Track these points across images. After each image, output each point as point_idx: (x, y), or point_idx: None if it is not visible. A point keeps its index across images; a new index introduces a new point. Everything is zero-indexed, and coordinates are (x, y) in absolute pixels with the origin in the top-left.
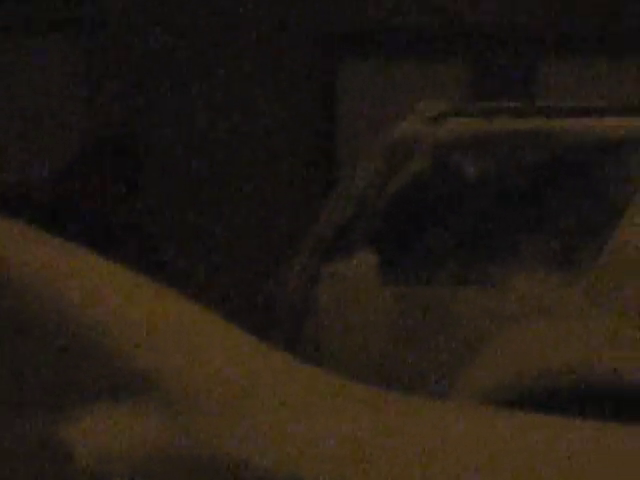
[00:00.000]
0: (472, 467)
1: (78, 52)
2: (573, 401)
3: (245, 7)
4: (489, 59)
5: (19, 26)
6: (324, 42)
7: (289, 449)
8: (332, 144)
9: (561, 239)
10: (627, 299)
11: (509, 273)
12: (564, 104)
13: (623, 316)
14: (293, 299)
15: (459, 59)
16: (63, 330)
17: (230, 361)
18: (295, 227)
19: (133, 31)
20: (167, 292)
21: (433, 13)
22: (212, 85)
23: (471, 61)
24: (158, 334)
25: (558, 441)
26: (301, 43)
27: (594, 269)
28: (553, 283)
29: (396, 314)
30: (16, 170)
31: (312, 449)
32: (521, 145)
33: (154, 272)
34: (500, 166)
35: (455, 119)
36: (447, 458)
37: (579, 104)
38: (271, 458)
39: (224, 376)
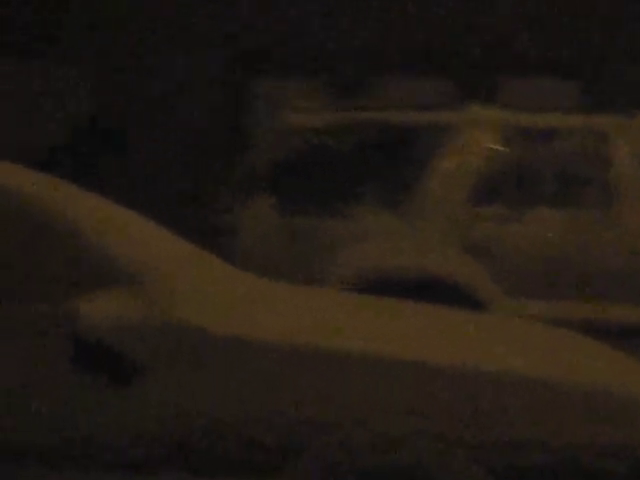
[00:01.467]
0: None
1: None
2: (394, 290)
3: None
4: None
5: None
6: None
7: (211, 317)
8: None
9: (388, 190)
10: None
11: (359, 210)
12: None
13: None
14: (222, 225)
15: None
16: (79, 244)
17: (188, 268)
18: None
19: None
20: (151, 224)
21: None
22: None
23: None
24: (144, 251)
25: (397, 309)
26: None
27: (409, 210)
28: (385, 216)
29: (284, 234)
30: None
31: (233, 318)
32: (363, 128)
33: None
34: (345, 144)
35: (321, 113)
36: (322, 313)
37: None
38: (205, 319)
39: (185, 276)
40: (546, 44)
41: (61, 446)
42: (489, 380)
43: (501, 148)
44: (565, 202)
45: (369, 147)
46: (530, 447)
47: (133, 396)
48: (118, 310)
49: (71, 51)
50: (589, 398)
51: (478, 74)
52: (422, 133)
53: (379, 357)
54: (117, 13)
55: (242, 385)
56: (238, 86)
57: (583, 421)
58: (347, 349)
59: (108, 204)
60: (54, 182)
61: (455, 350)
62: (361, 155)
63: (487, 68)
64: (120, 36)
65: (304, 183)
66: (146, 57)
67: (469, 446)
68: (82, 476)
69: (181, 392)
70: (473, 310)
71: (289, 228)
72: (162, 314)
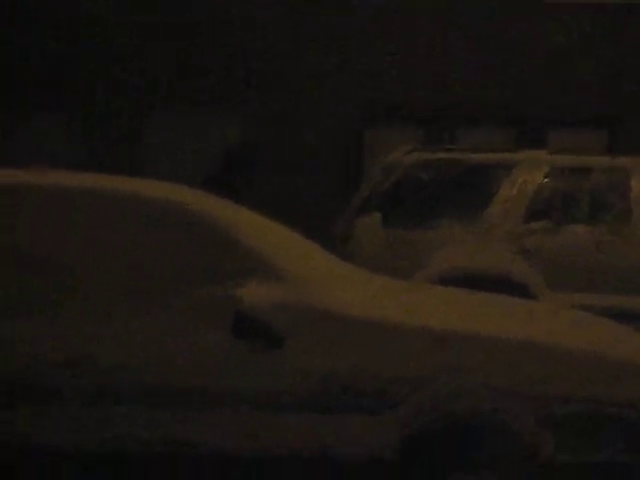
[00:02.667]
0: (430, 307)
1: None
2: (467, 283)
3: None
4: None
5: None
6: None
7: (336, 302)
8: None
9: (464, 211)
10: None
11: (443, 224)
12: (472, 147)
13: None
14: (344, 234)
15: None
16: (239, 247)
17: (317, 265)
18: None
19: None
20: (288, 231)
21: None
22: None
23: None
24: (287, 254)
25: (470, 297)
26: None
27: (479, 224)
28: (462, 229)
29: (386, 241)
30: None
31: (350, 302)
32: (447, 165)
33: None
34: (434, 176)
35: (415, 153)
36: (415, 300)
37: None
38: (331, 303)
39: (315, 270)
40: (581, 103)
41: (218, 395)
42: (536, 349)
43: (547, 180)
44: (595, 220)
45: (452, 178)
46: (566, 400)
47: (275, 357)
48: (267, 295)
49: (229, 100)
50: (611, 364)
51: (531, 127)
52: (491, 169)
53: (458, 332)
54: (270, 69)
55: (356, 351)
56: (359, 132)
57: (602, 381)
58: (436, 326)
59: (258, 216)
60: (218, 201)
61: (513, 326)
62: (446, 184)
63: (537, 122)
64: (271, 88)
65: (402, 204)
66: (289, 106)
67: (524, 398)
68: (230, 413)
69: (309, 357)
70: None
71: (392, 237)
72: (298, 299)
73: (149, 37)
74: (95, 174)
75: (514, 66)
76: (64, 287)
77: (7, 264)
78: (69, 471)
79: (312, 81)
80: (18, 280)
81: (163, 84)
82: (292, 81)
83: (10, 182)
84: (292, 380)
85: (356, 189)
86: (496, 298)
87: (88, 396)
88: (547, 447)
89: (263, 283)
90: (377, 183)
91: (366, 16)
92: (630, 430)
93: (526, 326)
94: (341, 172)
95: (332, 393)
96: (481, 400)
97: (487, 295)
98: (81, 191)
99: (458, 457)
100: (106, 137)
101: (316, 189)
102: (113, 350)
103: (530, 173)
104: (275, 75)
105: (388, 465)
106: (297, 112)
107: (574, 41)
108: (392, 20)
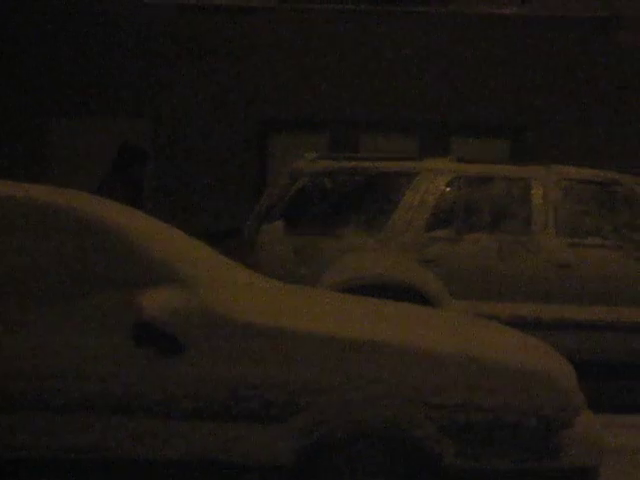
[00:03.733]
0: (330, 312)
1: None
2: (370, 291)
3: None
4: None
5: None
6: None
7: (238, 309)
8: None
9: (368, 219)
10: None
11: (346, 232)
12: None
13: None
14: (248, 241)
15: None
16: (136, 254)
17: (218, 272)
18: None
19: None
20: (185, 236)
21: None
22: None
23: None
24: (188, 260)
25: (373, 305)
26: None
27: (383, 233)
28: (365, 237)
29: (290, 248)
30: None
31: (252, 309)
32: (350, 173)
33: None
34: (338, 183)
35: (320, 161)
36: (319, 307)
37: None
38: (233, 309)
39: (216, 277)
40: (485, 113)
41: (118, 402)
42: (438, 357)
43: (449, 188)
44: (497, 229)
45: (356, 185)
46: (468, 408)
47: (176, 364)
48: (168, 301)
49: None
50: (509, 372)
51: (436, 135)
52: (394, 177)
53: (361, 340)
54: (175, 74)
55: (257, 359)
56: (261, 142)
57: (504, 389)
58: (340, 334)
59: (159, 222)
60: (119, 207)
61: (414, 334)
62: (350, 191)
63: (443, 130)
64: (175, 94)
65: (307, 211)
66: (197, 120)
67: (426, 406)
68: (131, 421)
69: (210, 364)
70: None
71: (295, 244)
72: (199, 305)
73: (55, 38)
74: None
75: (419, 73)
76: None
77: None
78: None
79: (217, 87)
80: None
81: (68, 86)
82: (195, 85)
83: None
84: (193, 387)
85: (260, 196)
86: (399, 306)
87: None
88: (448, 454)
89: (164, 289)
90: (282, 190)
91: (266, 26)
92: (531, 437)
93: (428, 334)
94: (246, 178)
95: (233, 400)
96: (383, 408)
97: (390, 303)
98: None
99: (360, 465)
100: (9, 138)
101: (220, 195)
102: (13, 357)
103: (433, 181)
104: (178, 80)
105: (289, 473)
106: (200, 117)
107: (479, 51)
108: (292, 28)
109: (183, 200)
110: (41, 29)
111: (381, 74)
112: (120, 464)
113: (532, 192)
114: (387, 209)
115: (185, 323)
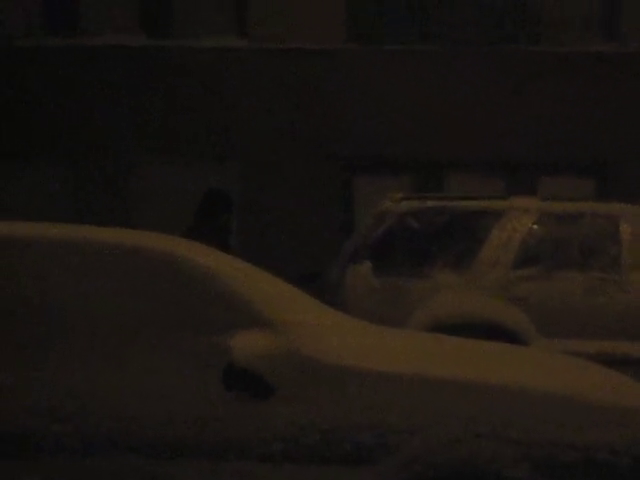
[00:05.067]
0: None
1: None
2: (458, 330)
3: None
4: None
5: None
6: None
7: (328, 351)
8: None
9: (455, 258)
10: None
11: (434, 272)
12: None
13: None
14: (336, 283)
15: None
16: (226, 296)
17: (307, 313)
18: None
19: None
20: (271, 277)
21: None
22: None
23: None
24: (276, 302)
25: (462, 344)
26: None
27: (470, 271)
28: (453, 277)
29: (378, 289)
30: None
31: (341, 351)
32: (437, 213)
33: None
34: (425, 223)
35: (406, 201)
36: (408, 347)
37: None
38: (323, 352)
39: (305, 319)
40: (570, 152)
41: (210, 446)
42: (530, 395)
43: (536, 227)
44: (585, 267)
45: (443, 225)
46: (560, 447)
47: (266, 408)
48: (257, 344)
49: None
50: (602, 409)
51: (521, 174)
52: (480, 216)
53: (451, 380)
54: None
55: (346, 401)
56: (346, 183)
57: (597, 426)
58: (429, 374)
59: (246, 264)
60: (206, 249)
61: (507, 373)
62: (437, 231)
63: (529, 170)
64: (255, 140)
65: (394, 252)
66: (274, 157)
67: (516, 444)
68: (222, 464)
69: (300, 407)
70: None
71: (383, 285)
72: (288, 348)
73: (145, 81)
74: (86, 225)
75: (503, 111)
76: (51, 337)
77: None
78: None
79: (299, 131)
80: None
81: (149, 134)
82: (275, 131)
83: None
84: (283, 430)
85: (346, 238)
86: (488, 345)
87: (78, 447)
88: None
89: (253, 332)
90: (368, 231)
91: (346, 69)
92: (624, 475)
93: (518, 372)
94: (331, 221)
95: (324, 443)
96: (476, 448)
97: (479, 342)
98: (70, 242)
99: None
100: (93, 186)
101: (306, 238)
102: (103, 401)
103: (520, 219)
104: (257, 127)
105: None
106: (282, 162)
107: (562, 89)
108: (372, 72)
109: (270, 243)
110: (131, 72)
111: (466, 113)
112: None
113: (620, 229)
114: (474, 248)
115: (274, 366)
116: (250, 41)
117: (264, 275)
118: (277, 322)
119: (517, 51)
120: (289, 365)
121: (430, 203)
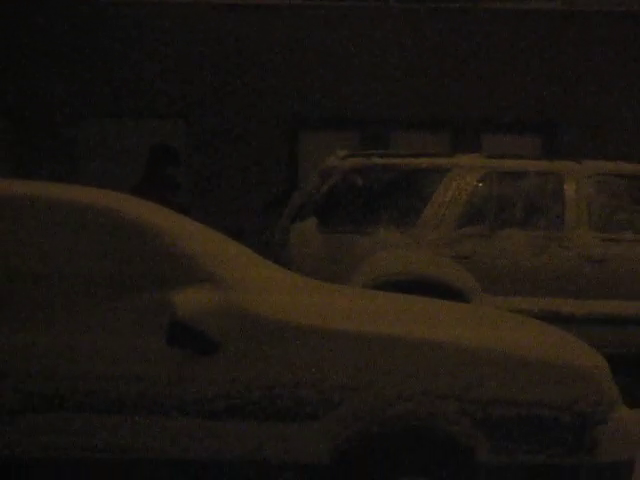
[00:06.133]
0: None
1: None
2: (402, 288)
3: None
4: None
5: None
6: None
7: (271, 308)
8: None
9: (399, 216)
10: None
11: (379, 229)
12: (402, 152)
13: (428, 249)
14: (280, 240)
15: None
16: (171, 251)
17: (251, 270)
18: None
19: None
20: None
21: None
22: None
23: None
24: (221, 259)
25: (404, 301)
26: None
27: (415, 229)
28: (397, 234)
29: (322, 246)
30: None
31: (285, 307)
32: (382, 170)
33: None
34: (370, 180)
35: (351, 158)
36: (352, 305)
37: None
38: (266, 308)
39: (249, 276)
40: (516, 109)
41: (153, 402)
42: (472, 352)
43: (481, 184)
44: (529, 225)
45: (388, 182)
46: (501, 403)
47: (210, 364)
48: (201, 300)
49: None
50: (544, 365)
51: (467, 132)
52: (425, 173)
53: (394, 336)
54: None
55: (290, 357)
56: (292, 139)
57: (538, 383)
58: (373, 331)
59: (191, 221)
60: (151, 206)
61: (447, 330)
62: (382, 188)
63: (475, 128)
64: (204, 97)
65: (339, 209)
66: (227, 119)
67: (459, 402)
68: (165, 421)
69: (244, 364)
70: (459, 302)
71: (327, 242)
72: (232, 304)
73: (89, 39)
74: (29, 181)
75: (448, 70)
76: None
77: None
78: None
79: (247, 85)
80: None
81: (99, 87)
82: (224, 85)
83: None
84: (227, 386)
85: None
86: (431, 302)
87: (22, 404)
88: (482, 450)
89: (198, 289)
90: (313, 188)
91: (292, 24)
92: (566, 432)
93: (460, 329)
94: (277, 177)
95: (267, 399)
96: (417, 404)
97: (422, 299)
98: (16, 198)
99: (394, 462)
100: (38, 143)
101: (251, 194)
102: (48, 358)
103: (464, 177)
104: (203, 83)
105: (323, 471)
106: (230, 116)
107: (508, 47)
108: (320, 25)
109: (215, 200)
110: (75, 29)
111: (411, 71)
112: (155, 464)
113: (564, 187)
114: (419, 206)
115: (218, 322)
116: None
117: (209, 232)
118: (221, 278)
119: (469, 9)
120: (233, 321)
121: (375, 160)
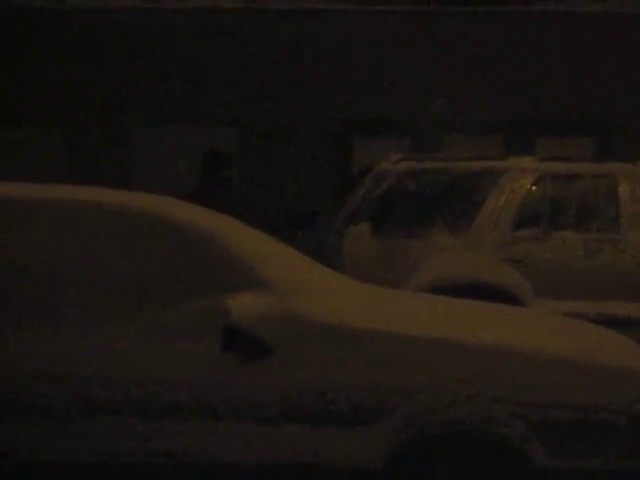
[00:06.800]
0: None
1: None
2: (456, 292)
3: None
4: None
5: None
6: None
7: (325, 312)
8: None
9: (453, 219)
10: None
11: (432, 233)
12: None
13: (483, 255)
14: (334, 244)
15: None
16: (226, 258)
17: (304, 274)
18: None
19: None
20: (277, 243)
21: None
22: None
23: None
24: (274, 263)
25: (459, 305)
26: None
27: (468, 233)
28: (451, 238)
29: (375, 250)
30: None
31: (338, 311)
32: (435, 173)
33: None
34: (425, 184)
35: (405, 162)
36: (407, 308)
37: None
38: (320, 312)
39: (302, 280)
40: (569, 111)
41: (207, 407)
42: (526, 355)
43: (535, 187)
44: (583, 227)
45: (441, 186)
46: (557, 406)
47: (264, 368)
48: (256, 305)
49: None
50: (600, 369)
51: (521, 135)
52: (479, 177)
53: (448, 340)
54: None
55: (345, 361)
56: (348, 142)
57: (594, 386)
58: (428, 335)
59: (245, 226)
60: (204, 211)
61: (503, 333)
62: (435, 192)
63: (528, 130)
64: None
65: (392, 213)
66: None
67: (515, 405)
68: (220, 426)
69: (298, 368)
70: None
71: (380, 246)
72: (286, 309)
73: (142, 49)
74: (83, 187)
75: (501, 72)
76: (52, 300)
77: None
78: None
79: (299, 92)
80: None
81: (152, 95)
82: (276, 93)
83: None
84: (281, 391)
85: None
86: (487, 306)
87: (75, 410)
88: (538, 454)
89: (252, 294)
90: (366, 192)
91: (345, 28)
92: (621, 436)
93: (516, 333)
94: (331, 181)
95: (321, 404)
96: (473, 408)
97: (476, 303)
98: (70, 204)
99: (450, 465)
100: (92, 150)
101: (306, 199)
102: (102, 364)
103: (518, 180)
104: (253, 90)
105: (377, 476)
106: (283, 123)
107: (561, 50)
108: (376, 33)
109: (267, 205)
110: (124, 38)
111: (463, 74)
112: (209, 469)
113: (619, 189)
114: (472, 209)
115: (272, 327)
116: (245, 2)
117: (262, 236)
118: (275, 283)
119: (512, 11)
120: (287, 326)
121: (428, 164)
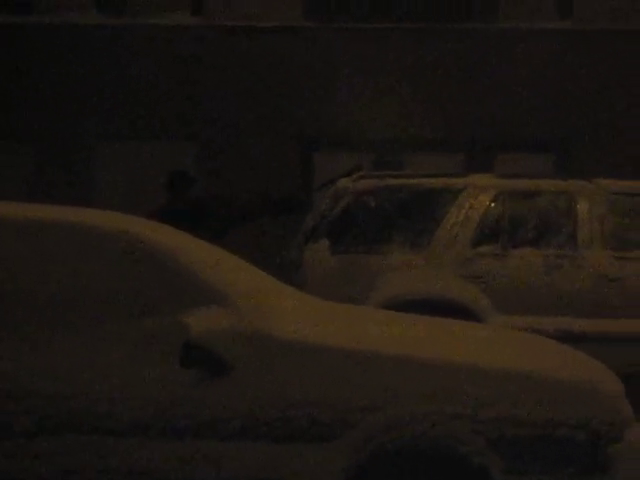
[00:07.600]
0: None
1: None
2: (416, 308)
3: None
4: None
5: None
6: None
7: (285, 328)
8: None
9: (413, 236)
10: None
11: (392, 250)
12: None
13: (438, 270)
14: (293, 261)
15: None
16: (188, 278)
17: (264, 291)
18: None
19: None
20: (238, 260)
21: None
22: None
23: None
24: (234, 280)
25: (417, 321)
26: None
27: (428, 249)
28: (411, 254)
29: (335, 267)
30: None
31: (298, 328)
32: (395, 191)
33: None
34: (383, 201)
35: (364, 180)
36: (365, 325)
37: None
38: (280, 329)
39: (262, 297)
40: (529, 128)
41: (167, 424)
42: (485, 372)
43: (494, 204)
44: (542, 244)
45: (401, 203)
46: (516, 423)
47: (224, 385)
48: (215, 322)
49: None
50: (559, 384)
51: (480, 152)
52: (439, 194)
53: (408, 357)
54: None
55: (304, 378)
56: (304, 159)
57: (552, 402)
58: (387, 351)
59: (205, 244)
60: (164, 229)
61: (460, 350)
62: (395, 209)
63: (487, 147)
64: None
65: (352, 230)
66: (248, 149)
67: (473, 422)
68: (179, 443)
69: (258, 385)
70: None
71: (340, 262)
72: (246, 326)
73: (102, 63)
74: (42, 205)
75: (462, 90)
76: (9, 317)
77: None
78: None
79: (262, 108)
80: None
81: (114, 111)
82: (235, 111)
83: None
84: (241, 408)
85: (306, 217)
86: (444, 322)
87: (35, 428)
88: (497, 470)
89: (211, 310)
90: (326, 209)
91: (301, 46)
92: (580, 451)
93: (474, 349)
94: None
95: (281, 420)
96: (430, 424)
97: (435, 319)
98: (27, 221)
99: None
100: (56, 167)
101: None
102: (61, 382)
103: (477, 197)
104: (215, 106)
105: None
106: (243, 140)
107: (522, 67)
108: (330, 51)
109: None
110: (88, 54)
111: (423, 92)
112: None
113: (577, 206)
114: (432, 226)
115: (231, 343)
116: (205, 19)
117: (223, 253)
118: (235, 300)
119: (473, 29)
120: (246, 342)
121: (388, 181)
